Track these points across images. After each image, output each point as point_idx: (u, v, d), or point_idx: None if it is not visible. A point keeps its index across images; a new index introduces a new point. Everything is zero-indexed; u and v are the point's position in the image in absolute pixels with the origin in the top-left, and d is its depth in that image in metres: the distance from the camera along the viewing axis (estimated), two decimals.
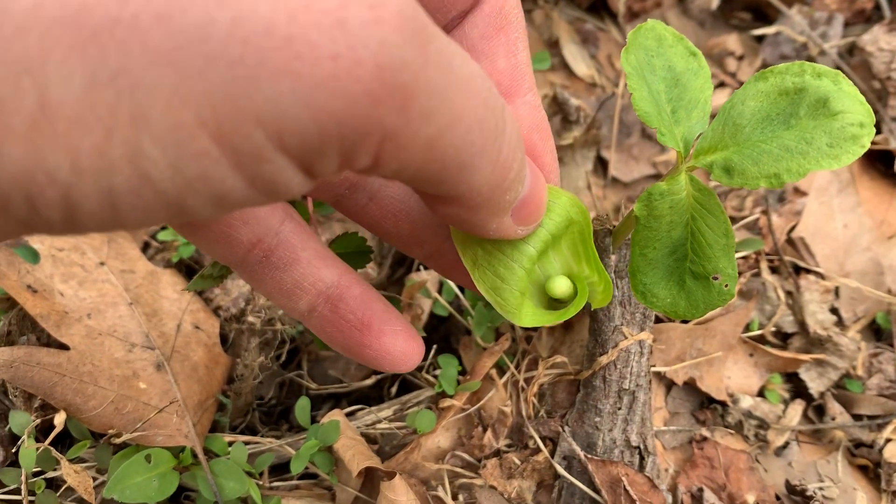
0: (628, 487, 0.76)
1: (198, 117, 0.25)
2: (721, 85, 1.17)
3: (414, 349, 0.49)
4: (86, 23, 0.23)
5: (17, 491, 0.69)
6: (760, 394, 0.90)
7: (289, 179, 0.28)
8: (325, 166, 0.29)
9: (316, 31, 0.25)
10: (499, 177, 0.35)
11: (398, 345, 0.48)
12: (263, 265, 0.46)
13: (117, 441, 0.69)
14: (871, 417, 0.91)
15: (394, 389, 0.89)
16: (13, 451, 0.72)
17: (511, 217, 0.42)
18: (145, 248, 0.89)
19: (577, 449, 0.78)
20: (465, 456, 0.81)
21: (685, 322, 0.91)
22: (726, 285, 0.58)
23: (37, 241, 0.79)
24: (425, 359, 0.87)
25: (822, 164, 0.51)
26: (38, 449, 0.68)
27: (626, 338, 0.79)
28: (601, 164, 1.07)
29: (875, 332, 0.98)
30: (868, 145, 0.50)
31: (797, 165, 0.51)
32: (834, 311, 0.96)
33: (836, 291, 0.97)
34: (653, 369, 0.84)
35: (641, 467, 0.79)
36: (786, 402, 0.91)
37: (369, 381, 0.87)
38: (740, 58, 1.19)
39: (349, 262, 0.63)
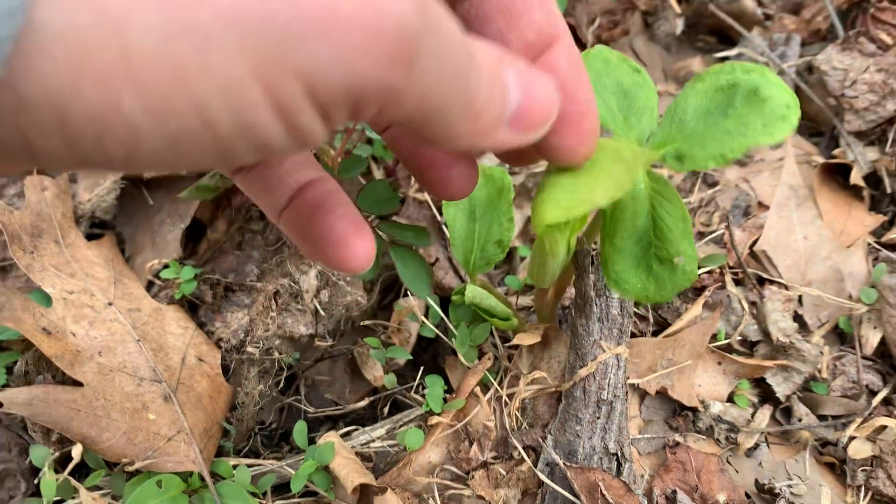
0: (605, 492, 0.82)
1: (253, 71, 0.29)
2: None
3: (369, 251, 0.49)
4: None
5: None
6: (730, 399, 0.96)
7: (317, 129, 0.33)
8: (340, 117, 0.33)
9: (350, 4, 0.30)
10: (468, 108, 0.38)
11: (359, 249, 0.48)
12: (258, 167, 0.50)
13: (130, 469, 0.75)
14: (835, 417, 0.97)
15: (386, 410, 0.94)
16: (35, 482, 0.78)
17: (511, 129, 0.42)
18: (149, 286, 0.95)
19: (557, 458, 0.84)
20: (454, 469, 0.87)
21: (655, 334, 0.97)
22: (688, 266, 0.65)
23: (49, 286, 0.85)
24: (414, 379, 0.94)
25: (759, 139, 0.58)
26: (57, 479, 0.74)
27: (604, 351, 0.85)
28: None
29: (839, 335, 1.04)
30: (796, 122, 0.58)
31: (738, 144, 0.58)
32: (799, 318, 1.02)
33: (800, 300, 1.03)
34: (627, 381, 0.90)
35: (619, 473, 0.85)
36: (754, 406, 0.97)
37: (363, 403, 0.94)
38: None
39: (377, 208, 0.71)
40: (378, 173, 1.11)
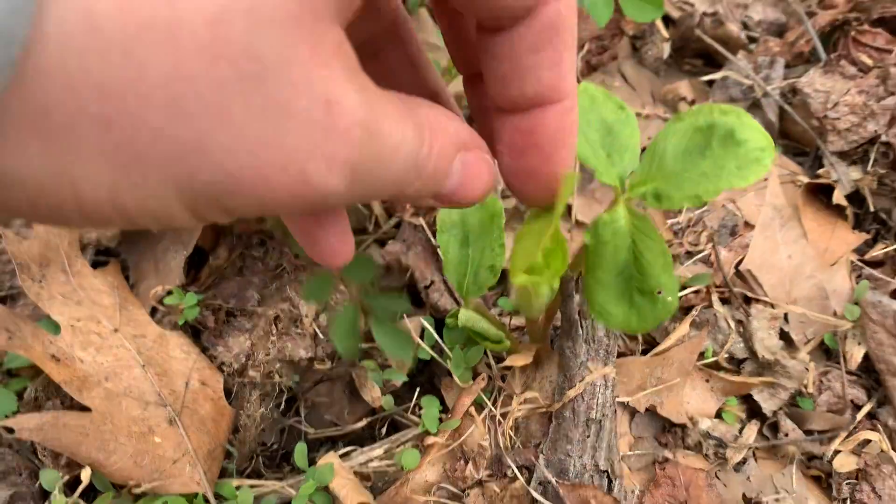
0: None
1: (177, 192, 0.32)
2: None
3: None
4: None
5: None
6: (718, 415, 0.99)
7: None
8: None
9: (281, 176, 0.33)
10: (405, 182, 0.40)
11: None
12: None
13: (137, 491, 0.78)
14: (821, 432, 0.99)
15: (384, 430, 0.97)
16: None
17: (435, 199, 0.44)
18: (153, 312, 0.98)
19: (550, 476, 0.87)
20: (450, 487, 0.90)
21: (644, 353, 1.00)
22: (669, 298, 0.68)
23: (57, 314, 0.88)
24: (410, 400, 0.97)
25: (733, 182, 0.61)
26: (67, 502, 0.76)
27: (591, 372, 0.88)
28: (566, 209, 1.16)
29: (825, 351, 1.07)
30: (769, 165, 0.61)
31: (713, 186, 0.62)
32: (785, 335, 1.05)
33: (786, 317, 1.06)
34: (617, 399, 0.93)
35: (609, 489, 0.88)
36: (742, 422, 1.00)
37: (361, 424, 0.96)
38: (692, 102, 1.30)
39: (358, 276, 0.75)
40: (376, 202, 1.14)
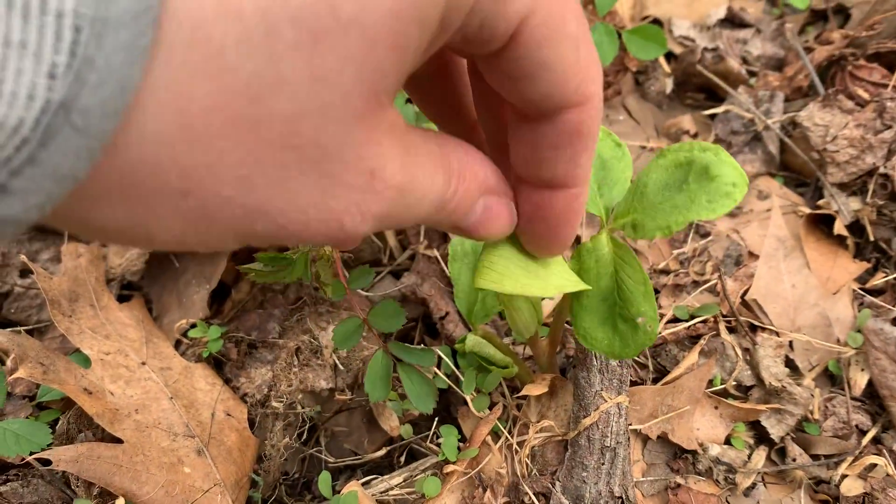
0: None
1: (234, 237, 0.36)
2: None
3: None
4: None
5: None
6: (727, 441, 1.02)
7: None
8: None
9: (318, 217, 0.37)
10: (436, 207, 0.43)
11: None
12: None
13: None
14: (827, 457, 1.02)
15: (402, 459, 1.00)
16: None
17: (454, 229, 0.47)
18: (177, 345, 1.01)
19: (567, 502, 0.90)
20: None
21: (654, 382, 1.03)
22: (649, 326, 0.71)
23: (87, 348, 0.91)
24: (428, 428, 0.99)
25: (702, 215, 0.65)
26: None
27: (605, 401, 0.91)
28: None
29: (829, 378, 1.10)
30: (740, 199, 0.65)
31: (683, 218, 0.65)
32: (790, 362, 1.08)
33: (791, 345, 1.09)
34: (630, 427, 0.96)
35: None
36: (751, 448, 1.02)
37: (381, 453, 0.99)
38: (694, 135, 1.34)
39: (385, 325, 0.78)
40: (389, 231, 1.18)
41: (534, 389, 0.94)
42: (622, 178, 0.76)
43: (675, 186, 0.69)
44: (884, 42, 1.34)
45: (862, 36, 1.35)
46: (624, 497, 0.91)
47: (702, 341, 1.04)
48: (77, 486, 0.85)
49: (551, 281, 0.63)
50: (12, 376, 0.83)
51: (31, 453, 0.85)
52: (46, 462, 0.86)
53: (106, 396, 0.87)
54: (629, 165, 0.77)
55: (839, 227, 1.16)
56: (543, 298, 0.89)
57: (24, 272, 1.07)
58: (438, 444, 0.96)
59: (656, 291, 1.13)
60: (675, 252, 1.20)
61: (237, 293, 1.05)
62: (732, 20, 1.49)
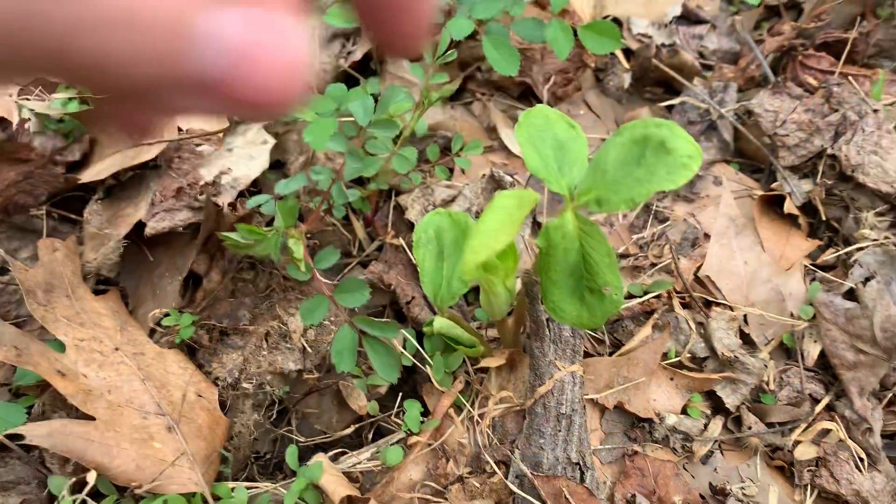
0: (569, 497, 0.91)
1: None
2: None
3: None
4: None
5: None
6: (684, 412, 1.05)
7: None
8: None
9: None
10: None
11: None
12: None
13: (139, 492, 0.84)
14: (781, 424, 1.06)
15: (370, 436, 1.04)
16: None
17: (212, 95, 0.30)
18: (152, 333, 1.05)
19: (525, 469, 0.93)
20: (433, 484, 0.96)
21: (610, 355, 1.07)
22: (615, 295, 0.76)
23: (62, 335, 0.95)
24: (395, 406, 1.03)
25: (663, 185, 0.69)
26: (74, 501, 0.82)
27: (559, 370, 0.95)
28: (537, 227, 1.24)
29: (785, 351, 1.14)
30: (696, 170, 0.69)
31: (645, 190, 0.70)
32: (747, 337, 1.12)
33: (746, 320, 1.13)
34: (586, 397, 1.00)
35: (582, 480, 0.94)
36: (707, 417, 1.06)
37: (349, 430, 1.03)
38: None
39: (351, 300, 0.82)
40: (357, 224, 1.22)
41: (492, 362, 0.97)
42: (580, 157, 0.80)
43: (633, 161, 0.74)
44: (831, 32, 1.39)
45: (811, 27, 1.40)
46: (581, 463, 0.94)
47: (655, 315, 1.08)
48: (51, 464, 0.88)
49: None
50: None
51: (7, 433, 0.88)
52: (23, 444, 0.90)
53: (79, 378, 0.91)
54: (585, 145, 0.81)
55: (789, 207, 1.21)
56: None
57: (3, 269, 1.11)
58: (404, 420, 0.99)
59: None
60: (635, 237, 1.24)
61: (209, 283, 1.09)
62: (689, 17, 1.54)
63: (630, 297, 1.11)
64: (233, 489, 0.89)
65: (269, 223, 1.11)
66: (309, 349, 1.04)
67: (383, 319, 0.95)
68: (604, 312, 0.80)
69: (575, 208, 0.78)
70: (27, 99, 1.25)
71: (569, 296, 0.81)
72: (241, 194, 1.10)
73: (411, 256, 1.15)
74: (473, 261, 0.67)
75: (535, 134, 0.82)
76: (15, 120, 1.20)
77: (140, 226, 1.09)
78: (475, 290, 1.13)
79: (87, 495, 0.84)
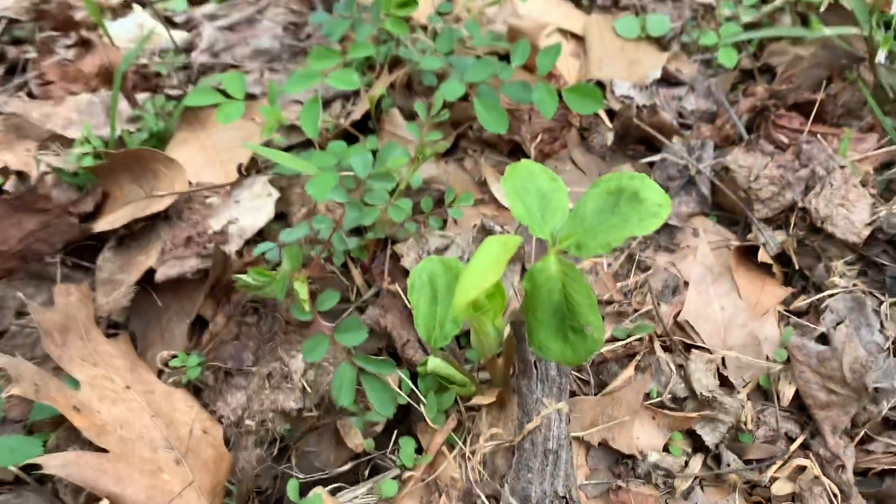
0: None
1: None
2: None
3: None
4: None
5: None
6: (665, 449, 1.11)
7: None
8: None
9: None
10: None
11: None
12: None
13: None
14: (759, 461, 1.11)
15: (367, 473, 1.08)
16: None
17: None
18: (160, 374, 1.11)
19: (515, 502, 0.98)
20: None
21: (595, 394, 1.13)
22: (596, 334, 0.83)
23: (76, 373, 1.01)
24: (390, 444, 1.08)
25: (636, 231, 0.77)
26: None
27: (546, 407, 1.01)
28: (525, 272, 1.31)
29: (762, 393, 1.20)
30: (665, 217, 0.78)
31: (619, 235, 0.77)
32: (724, 379, 1.18)
33: (724, 363, 1.19)
34: (572, 434, 1.05)
35: None
36: (688, 455, 1.11)
37: (347, 467, 1.08)
38: None
39: (349, 340, 0.88)
40: (356, 271, 1.29)
41: (483, 400, 1.03)
42: (561, 206, 0.88)
43: (609, 210, 0.82)
44: (802, 94, 1.49)
45: (782, 89, 1.50)
46: (568, 497, 0.99)
47: (637, 357, 1.14)
48: (64, 496, 0.93)
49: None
50: (7, 393, 0.92)
51: (23, 465, 0.93)
52: (38, 477, 0.95)
53: (94, 414, 0.96)
54: (566, 196, 0.89)
55: (763, 256, 1.28)
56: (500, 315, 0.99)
57: (20, 313, 1.17)
58: (400, 457, 1.04)
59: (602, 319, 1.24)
60: (619, 284, 1.31)
61: (214, 326, 1.15)
62: (668, 79, 1.64)
63: (614, 340, 1.18)
64: None
65: (273, 269, 1.17)
66: (309, 389, 1.09)
67: (380, 357, 1.01)
68: (586, 350, 0.86)
69: (557, 252, 0.85)
70: (45, 153, 1.33)
71: (553, 335, 0.87)
72: (247, 243, 1.17)
73: (406, 301, 1.21)
74: (464, 299, 0.75)
75: (519, 185, 0.90)
76: (34, 173, 1.28)
77: (150, 273, 1.16)
78: (466, 334, 1.19)
79: None
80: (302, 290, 0.96)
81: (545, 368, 1.03)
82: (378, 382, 0.99)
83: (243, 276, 0.96)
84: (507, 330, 1.00)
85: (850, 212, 1.28)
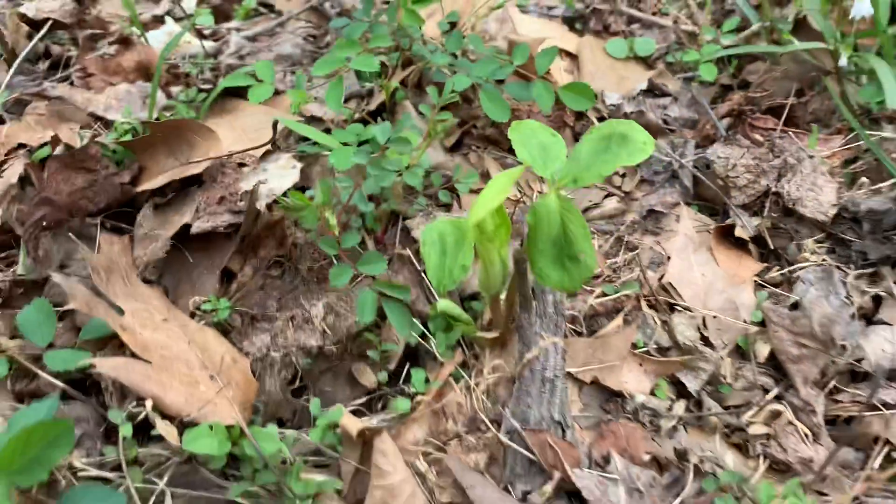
0: (554, 447, 1.06)
1: None
2: (609, 195, 1.57)
3: None
4: None
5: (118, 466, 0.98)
6: (652, 393, 1.21)
7: None
8: None
9: None
10: None
11: None
12: None
13: (187, 420, 0.99)
14: (737, 407, 1.22)
15: (380, 406, 1.19)
16: (101, 448, 1.01)
17: None
18: (192, 316, 1.21)
19: (516, 424, 1.08)
20: (435, 441, 1.10)
21: (587, 337, 1.24)
22: (589, 261, 0.95)
23: (120, 303, 1.12)
24: (399, 382, 1.19)
25: (624, 162, 0.91)
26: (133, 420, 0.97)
27: (543, 339, 1.12)
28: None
29: (741, 354, 1.31)
30: (650, 152, 0.90)
31: (609, 166, 0.91)
32: (706, 339, 1.29)
33: (705, 324, 1.30)
34: (566, 369, 1.16)
35: (563, 436, 1.09)
36: (673, 400, 1.22)
37: (361, 401, 1.18)
38: (623, 175, 1.61)
39: (371, 269, 1.00)
40: (370, 242, 1.41)
41: (486, 335, 1.15)
42: (560, 154, 1.02)
43: (602, 150, 0.96)
44: (775, 100, 1.64)
45: (757, 96, 1.65)
46: (563, 421, 1.10)
47: (625, 309, 1.26)
48: (111, 402, 1.03)
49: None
50: (65, 307, 1.03)
51: (72, 380, 1.03)
52: (83, 390, 1.05)
53: (137, 334, 1.07)
54: (564, 147, 1.03)
55: (740, 232, 1.41)
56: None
57: (62, 266, 1.28)
58: (411, 394, 1.15)
59: (593, 289, 1.36)
60: (609, 261, 1.43)
61: (242, 277, 1.26)
62: (654, 91, 1.80)
63: (604, 295, 1.30)
64: (265, 424, 1.04)
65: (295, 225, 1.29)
66: (328, 331, 1.20)
67: (398, 284, 1.12)
68: (580, 276, 0.99)
69: (556, 189, 0.98)
70: (87, 131, 1.46)
71: (552, 263, 1.00)
72: (275, 201, 1.29)
73: (416, 264, 1.33)
74: (479, 215, 0.88)
75: (524, 137, 1.04)
76: (77, 145, 1.41)
77: (185, 229, 1.27)
78: (471, 298, 1.30)
79: (138, 425, 0.99)
80: (331, 217, 1.08)
81: (543, 305, 1.14)
82: (397, 305, 1.10)
83: (285, 199, 1.08)
84: (510, 267, 1.12)
85: (818, 194, 1.41)
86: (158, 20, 1.96)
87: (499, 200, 0.93)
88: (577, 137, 1.69)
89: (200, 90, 1.61)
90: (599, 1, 2.06)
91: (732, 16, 1.97)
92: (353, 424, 1.02)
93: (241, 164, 1.36)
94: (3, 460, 0.81)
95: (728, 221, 1.47)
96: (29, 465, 0.82)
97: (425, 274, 1.26)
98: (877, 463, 1.13)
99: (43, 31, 1.76)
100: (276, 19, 1.91)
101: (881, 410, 1.18)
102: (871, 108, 1.59)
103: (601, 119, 1.72)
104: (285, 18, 1.91)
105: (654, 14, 2.05)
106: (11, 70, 1.64)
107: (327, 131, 1.50)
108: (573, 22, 2.03)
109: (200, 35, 1.86)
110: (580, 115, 1.71)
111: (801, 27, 1.76)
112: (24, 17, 1.78)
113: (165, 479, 0.98)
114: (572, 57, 1.92)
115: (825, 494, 1.12)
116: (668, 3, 2.08)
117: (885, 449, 1.14)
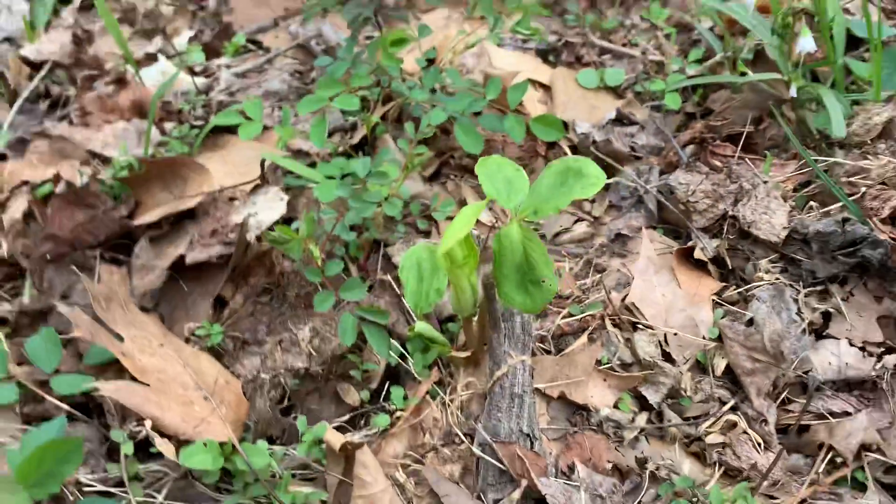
0: (523, 458, 1.15)
1: None
2: (579, 220, 1.67)
3: None
4: None
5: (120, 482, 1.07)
6: (616, 407, 1.31)
7: None
8: None
9: None
10: None
11: None
12: None
13: (183, 439, 1.08)
14: (695, 418, 1.31)
15: (362, 423, 1.28)
16: (105, 466, 1.10)
17: None
18: (186, 341, 1.31)
19: (488, 437, 1.18)
20: (413, 454, 1.19)
21: (554, 355, 1.33)
22: (550, 285, 1.04)
23: (120, 330, 1.21)
24: (380, 399, 1.28)
25: (579, 195, 1.01)
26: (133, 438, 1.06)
27: (512, 357, 1.21)
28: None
29: (701, 369, 1.41)
30: (601, 186, 1.00)
31: (566, 199, 1.01)
32: (667, 355, 1.39)
33: (666, 339, 1.40)
34: (535, 385, 1.25)
35: (532, 448, 1.18)
36: (635, 413, 1.31)
37: (345, 418, 1.27)
38: (592, 201, 1.71)
39: (352, 296, 1.09)
40: (353, 269, 1.50)
41: (460, 354, 1.24)
42: (522, 188, 1.12)
43: (559, 184, 1.06)
44: (734, 127, 1.75)
45: (718, 124, 1.76)
46: (531, 434, 1.19)
47: (590, 328, 1.36)
48: (112, 424, 1.12)
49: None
50: (69, 335, 1.12)
51: (75, 403, 1.12)
52: (86, 412, 1.14)
53: (136, 360, 1.16)
54: (526, 181, 1.13)
55: (698, 253, 1.51)
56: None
57: (64, 295, 1.37)
58: (391, 411, 1.24)
59: (560, 310, 1.46)
60: (579, 282, 1.53)
61: (233, 304, 1.36)
62: (623, 120, 1.90)
63: (570, 315, 1.39)
64: (255, 441, 1.13)
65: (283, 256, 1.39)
66: (314, 353, 1.29)
67: (377, 307, 1.22)
68: (542, 299, 1.08)
69: (519, 220, 1.08)
70: (87, 168, 1.56)
71: (516, 287, 1.09)
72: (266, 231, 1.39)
73: (396, 290, 1.42)
74: (447, 244, 0.98)
75: (490, 172, 1.14)
76: (78, 182, 1.50)
77: (179, 261, 1.37)
78: (448, 320, 1.39)
79: (141, 444, 1.08)
80: (315, 250, 1.18)
81: (511, 327, 1.24)
82: (376, 328, 1.19)
83: (272, 233, 1.18)
84: (480, 293, 1.22)
85: (771, 217, 1.51)
86: (151, 58, 2.06)
87: (464, 232, 1.03)
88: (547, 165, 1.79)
89: (193, 126, 1.70)
90: (572, 34, 2.17)
91: (699, 45, 2.08)
92: (337, 439, 1.11)
93: (232, 198, 1.46)
94: (21, 474, 0.90)
95: (689, 244, 1.57)
96: (43, 478, 0.91)
97: (405, 298, 1.35)
98: (822, 468, 1.22)
99: (43, 72, 1.86)
100: (265, 56, 2.02)
101: (828, 419, 1.28)
102: (828, 133, 1.70)
103: (573, 147, 1.82)
104: (273, 55, 2.01)
105: (623, 45, 2.16)
106: (13, 110, 1.74)
107: (313, 164, 1.59)
108: (546, 54, 2.13)
109: (192, 72, 1.96)
110: (552, 145, 1.81)
111: (760, 58, 1.87)
112: (25, 60, 1.88)
113: (164, 493, 1.07)
114: (546, 88, 2.02)
115: (775, 498, 1.21)
116: (637, 35, 2.19)
117: (830, 455, 1.24)
